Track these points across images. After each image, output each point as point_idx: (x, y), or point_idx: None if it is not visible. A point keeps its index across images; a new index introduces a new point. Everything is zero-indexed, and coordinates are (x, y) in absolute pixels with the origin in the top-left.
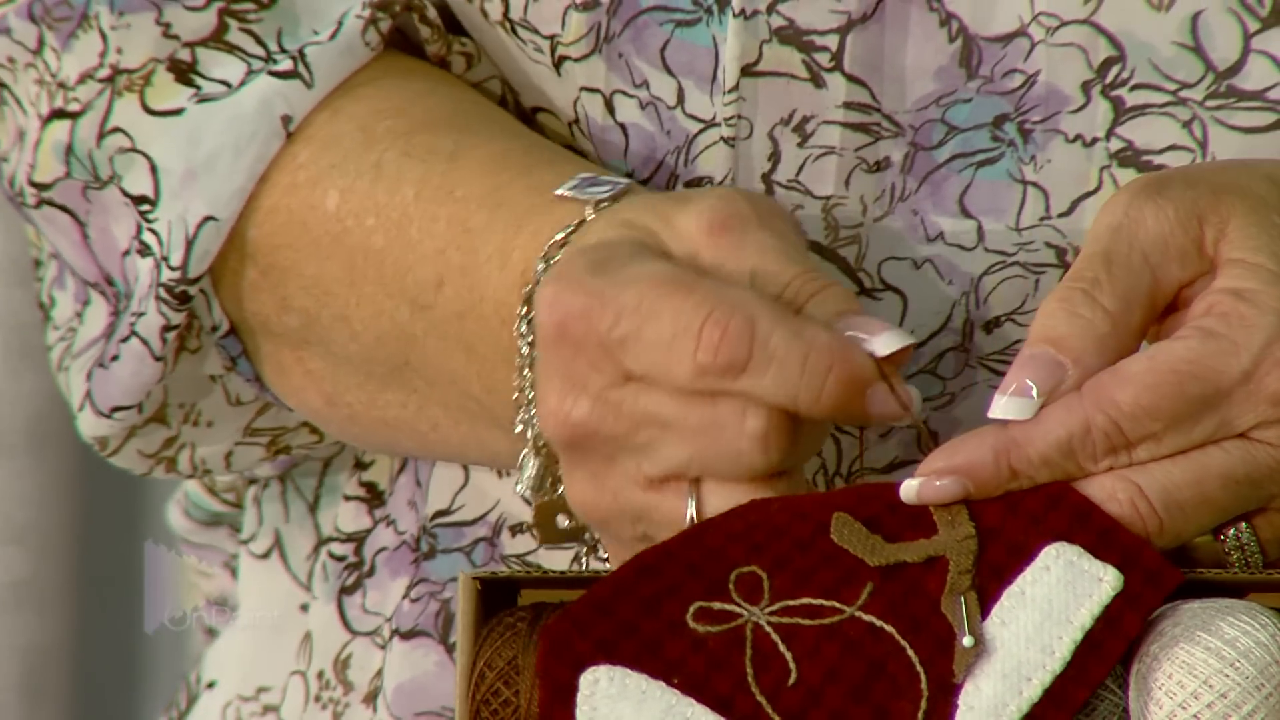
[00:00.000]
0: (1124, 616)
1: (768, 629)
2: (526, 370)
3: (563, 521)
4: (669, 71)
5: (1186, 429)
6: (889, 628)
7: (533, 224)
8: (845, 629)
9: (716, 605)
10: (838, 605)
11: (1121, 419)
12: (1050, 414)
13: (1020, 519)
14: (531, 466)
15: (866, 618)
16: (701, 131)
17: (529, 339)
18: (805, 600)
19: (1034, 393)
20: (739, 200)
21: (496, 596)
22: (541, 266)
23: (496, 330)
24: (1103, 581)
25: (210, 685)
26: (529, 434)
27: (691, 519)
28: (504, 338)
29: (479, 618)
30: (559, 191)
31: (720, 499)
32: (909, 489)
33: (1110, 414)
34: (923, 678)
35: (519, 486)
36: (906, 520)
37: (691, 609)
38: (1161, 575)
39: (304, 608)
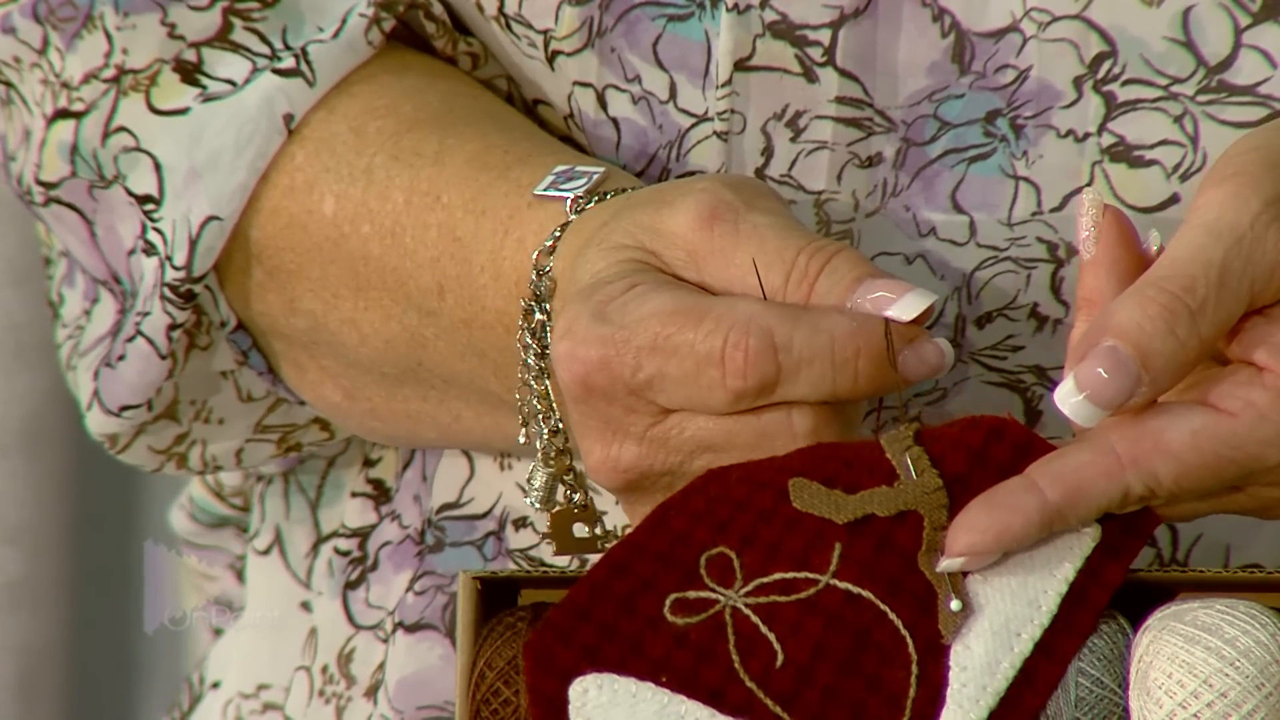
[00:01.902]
0: (1105, 567)
1: (746, 611)
2: (533, 382)
3: (580, 530)
4: (661, 66)
5: (1211, 493)
6: (866, 593)
7: (517, 231)
8: (824, 601)
9: (692, 594)
10: (811, 576)
11: (1159, 490)
12: (1092, 482)
13: (989, 470)
14: (540, 478)
15: (842, 585)
16: (694, 126)
17: (534, 350)
18: (778, 575)
19: (1105, 400)
20: (721, 188)
21: (497, 596)
22: (534, 277)
23: (503, 337)
24: (1083, 533)
25: (215, 685)
26: (537, 444)
27: None
28: (511, 344)
29: (479, 617)
30: (536, 191)
31: None
32: (952, 566)
33: (1149, 485)
34: (909, 642)
35: (529, 499)
36: (863, 470)
37: (668, 602)
38: (1138, 522)
39: (304, 605)
